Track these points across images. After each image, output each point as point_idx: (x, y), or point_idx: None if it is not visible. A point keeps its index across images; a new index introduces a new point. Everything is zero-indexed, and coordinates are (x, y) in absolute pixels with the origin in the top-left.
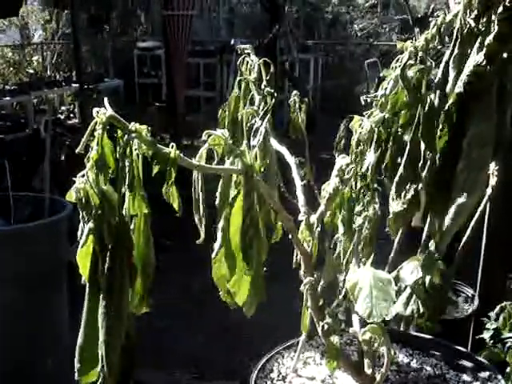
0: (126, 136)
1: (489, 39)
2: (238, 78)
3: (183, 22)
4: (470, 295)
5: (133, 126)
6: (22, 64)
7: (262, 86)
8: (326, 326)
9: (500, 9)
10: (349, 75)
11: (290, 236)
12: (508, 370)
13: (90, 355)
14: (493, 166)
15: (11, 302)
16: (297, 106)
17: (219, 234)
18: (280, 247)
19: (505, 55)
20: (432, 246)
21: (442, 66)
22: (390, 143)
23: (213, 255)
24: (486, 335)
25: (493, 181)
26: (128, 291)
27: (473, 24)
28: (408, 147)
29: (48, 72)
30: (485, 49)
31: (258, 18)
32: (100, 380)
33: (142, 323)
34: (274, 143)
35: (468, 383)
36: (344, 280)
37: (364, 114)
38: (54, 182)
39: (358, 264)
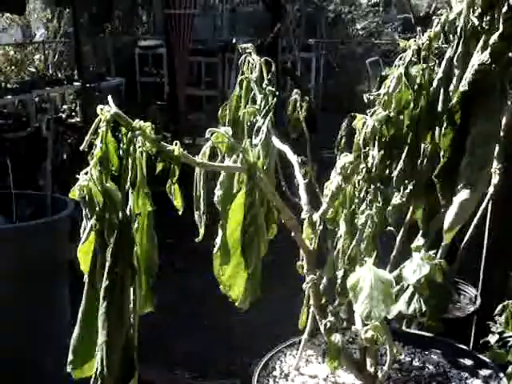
0: (130, 133)
1: (493, 38)
2: (240, 77)
3: (185, 21)
4: (472, 294)
5: (137, 123)
6: (23, 62)
7: (264, 85)
8: (328, 324)
9: (505, 8)
10: (350, 74)
11: (292, 234)
12: (510, 369)
13: (84, 349)
14: (495, 165)
15: (12, 299)
16: (298, 104)
17: (219, 231)
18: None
19: (510, 54)
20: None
21: (444, 64)
22: (395, 141)
23: (214, 251)
24: (492, 339)
25: (495, 180)
26: (129, 291)
27: (476, 22)
28: (408, 143)
29: (50, 71)
30: (489, 48)
31: (259, 16)
32: (98, 381)
33: (142, 322)
34: (276, 142)
35: (470, 381)
36: (342, 278)
37: (366, 112)
38: (56, 181)
39: (359, 263)
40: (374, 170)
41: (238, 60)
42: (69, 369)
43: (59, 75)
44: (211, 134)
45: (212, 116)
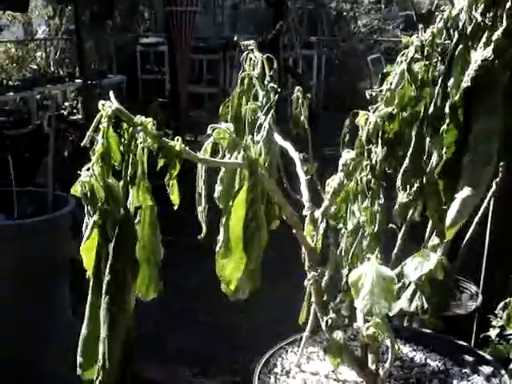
0: (132, 129)
1: (497, 35)
2: (242, 74)
3: (186, 18)
4: (473, 291)
5: (138, 119)
6: (25, 60)
7: (266, 82)
8: (329, 321)
9: (508, 4)
10: (352, 72)
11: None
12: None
13: (92, 350)
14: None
15: (12, 298)
16: (300, 101)
17: (221, 227)
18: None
19: None
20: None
21: (447, 60)
22: (397, 138)
23: (217, 248)
24: (493, 333)
25: (497, 178)
26: (131, 285)
27: (479, 18)
28: (413, 140)
29: (51, 68)
30: (492, 44)
31: (261, 14)
32: (100, 374)
33: (143, 319)
34: (278, 139)
35: (472, 378)
36: (347, 276)
37: (369, 109)
38: (57, 178)
39: (361, 260)
40: (377, 167)
41: (239, 57)
42: (78, 371)
43: (61, 72)
44: (213, 130)
45: (213, 113)
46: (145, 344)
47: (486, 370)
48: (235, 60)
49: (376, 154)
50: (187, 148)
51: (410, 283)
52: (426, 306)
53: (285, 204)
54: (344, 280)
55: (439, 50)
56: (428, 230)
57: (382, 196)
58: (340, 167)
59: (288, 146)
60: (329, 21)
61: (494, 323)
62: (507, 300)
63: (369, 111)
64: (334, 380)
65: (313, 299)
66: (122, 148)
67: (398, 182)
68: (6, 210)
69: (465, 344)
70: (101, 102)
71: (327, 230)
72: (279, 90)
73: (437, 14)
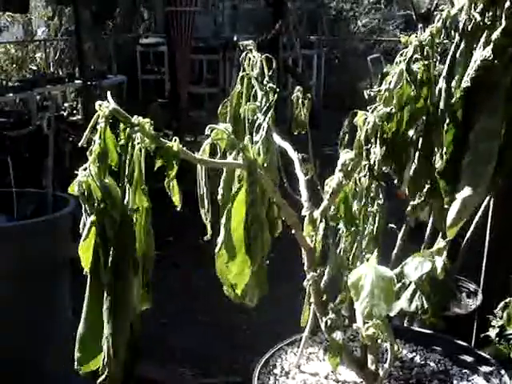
0: (129, 129)
1: (496, 34)
2: (241, 74)
3: (186, 19)
4: (473, 291)
5: (135, 119)
6: (25, 60)
7: (265, 82)
8: (329, 322)
9: (507, 4)
10: (352, 72)
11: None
12: None
13: (90, 345)
14: None
15: (12, 298)
16: (300, 101)
17: (222, 229)
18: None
19: None
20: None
21: (447, 60)
22: (396, 137)
23: (216, 249)
24: (492, 333)
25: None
26: (133, 283)
27: (478, 18)
28: (421, 141)
29: (51, 68)
30: (492, 44)
31: (261, 14)
32: (105, 375)
33: (143, 319)
34: (277, 139)
35: (472, 378)
36: (346, 276)
37: (368, 109)
38: (57, 179)
39: (361, 260)
40: (376, 167)
41: (239, 57)
42: (76, 365)
43: (60, 73)
44: (211, 131)
45: (213, 113)
46: (145, 344)
47: (486, 370)
48: (235, 60)
49: (374, 154)
50: (187, 147)
51: (410, 283)
52: (426, 305)
53: (284, 204)
54: (343, 280)
55: (438, 49)
56: (428, 229)
57: (381, 196)
58: (339, 167)
59: (287, 146)
60: (329, 21)
61: (494, 323)
62: (507, 300)
63: (368, 111)
64: (333, 381)
65: (312, 300)
66: (118, 149)
67: (406, 183)
68: (6, 211)
69: (465, 344)
70: (98, 103)
71: (327, 231)
72: (278, 89)
73: (435, 13)
